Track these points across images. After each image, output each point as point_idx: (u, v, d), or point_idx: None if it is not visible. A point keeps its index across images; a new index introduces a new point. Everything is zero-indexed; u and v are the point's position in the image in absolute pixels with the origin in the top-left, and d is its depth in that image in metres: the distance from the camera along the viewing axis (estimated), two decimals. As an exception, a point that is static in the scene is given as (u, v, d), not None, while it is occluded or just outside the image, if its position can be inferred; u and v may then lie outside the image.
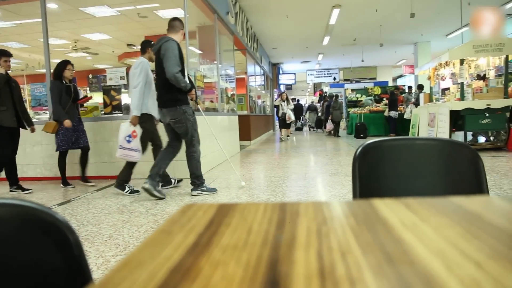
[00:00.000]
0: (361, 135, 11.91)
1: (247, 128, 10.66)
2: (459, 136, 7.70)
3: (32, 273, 0.65)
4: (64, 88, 4.87)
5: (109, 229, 3.08)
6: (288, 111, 11.84)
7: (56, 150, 4.96)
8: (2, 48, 4.73)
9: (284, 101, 11.99)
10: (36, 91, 6.13)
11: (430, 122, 8.04)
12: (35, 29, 7.69)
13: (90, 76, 6.88)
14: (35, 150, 5.85)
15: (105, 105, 6.04)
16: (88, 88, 7.10)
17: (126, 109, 5.95)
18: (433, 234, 0.50)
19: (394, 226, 0.53)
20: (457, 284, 0.35)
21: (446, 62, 8.08)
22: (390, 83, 20.54)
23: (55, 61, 5.17)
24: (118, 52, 12.32)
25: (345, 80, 20.74)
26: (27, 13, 7.49)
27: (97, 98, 6.58)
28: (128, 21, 8.91)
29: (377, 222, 0.55)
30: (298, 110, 18.48)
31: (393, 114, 11.72)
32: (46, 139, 5.78)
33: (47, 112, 6.18)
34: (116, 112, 6.22)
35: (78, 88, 5.50)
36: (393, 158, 1.35)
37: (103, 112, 6.16)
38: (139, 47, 4.60)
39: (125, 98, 6.17)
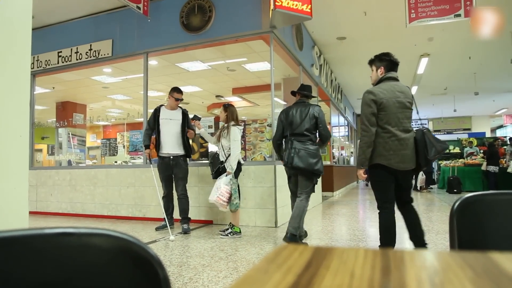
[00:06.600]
0: (455, 190, 10.97)
1: (330, 179, 10.43)
2: None
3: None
4: None
5: (190, 271, 3.13)
6: None
7: None
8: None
9: None
10: (133, 138, 6.70)
11: (537, 178, 7.19)
12: (137, 82, 8.55)
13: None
14: (129, 191, 6.28)
15: (193, 151, 6.36)
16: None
17: (211, 156, 6.18)
18: None
19: (525, 283, 0.45)
20: None
21: (555, 111, 7.30)
22: (488, 134, 19.02)
23: (152, 110, 5.62)
24: (207, 103, 13.08)
25: (435, 131, 19.66)
26: (131, 69, 8.38)
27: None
28: (217, 75, 9.51)
29: (501, 275, 0.48)
30: None
31: (492, 168, 10.67)
32: (139, 181, 6.20)
33: (141, 157, 6.67)
34: (203, 158, 6.48)
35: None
36: (500, 215, 1.19)
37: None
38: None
39: (212, 146, 6.44)
